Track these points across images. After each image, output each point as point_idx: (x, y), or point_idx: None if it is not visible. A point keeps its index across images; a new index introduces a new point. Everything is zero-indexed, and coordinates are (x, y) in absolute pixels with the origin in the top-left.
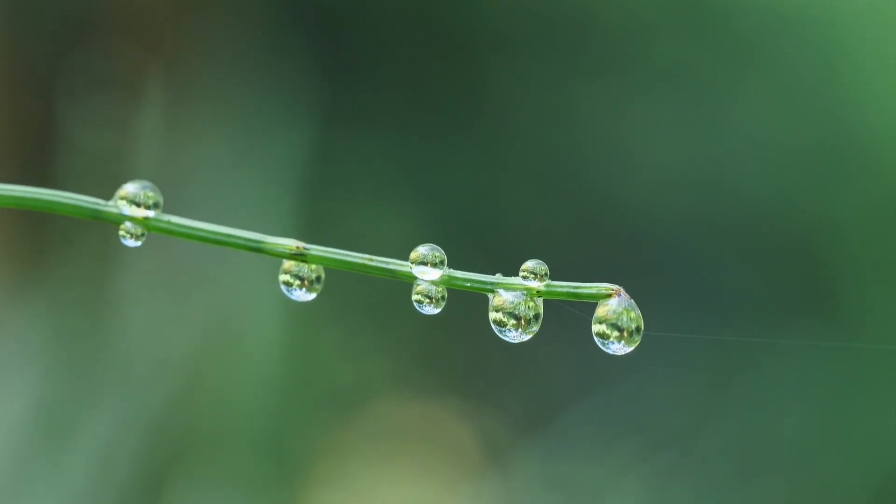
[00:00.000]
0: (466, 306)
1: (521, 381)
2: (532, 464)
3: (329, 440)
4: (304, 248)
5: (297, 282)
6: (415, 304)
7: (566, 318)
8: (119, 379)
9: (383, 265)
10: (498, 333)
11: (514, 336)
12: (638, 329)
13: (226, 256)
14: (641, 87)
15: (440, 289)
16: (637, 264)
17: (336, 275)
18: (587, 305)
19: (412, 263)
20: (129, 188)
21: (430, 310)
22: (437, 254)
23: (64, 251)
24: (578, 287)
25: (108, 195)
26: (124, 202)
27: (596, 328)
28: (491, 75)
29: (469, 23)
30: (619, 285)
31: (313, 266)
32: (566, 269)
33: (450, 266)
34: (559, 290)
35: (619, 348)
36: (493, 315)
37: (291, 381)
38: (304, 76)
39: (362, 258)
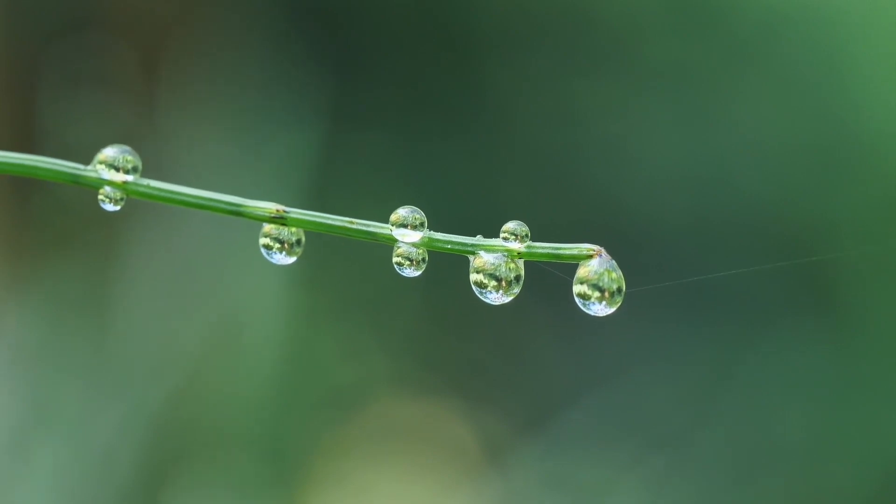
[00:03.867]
0: (466, 305)
1: (520, 380)
2: (532, 463)
3: (329, 440)
4: (285, 212)
5: (277, 245)
6: (395, 266)
7: (566, 317)
8: (119, 378)
9: (363, 228)
10: (479, 295)
11: (495, 298)
12: (619, 289)
13: (226, 255)
14: (641, 86)
15: (420, 251)
16: (637, 264)
17: (336, 274)
18: (569, 268)
19: (392, 226)
20: (108, 152)
21: (411, 272)
22: (417, 216)
23: (64, 249)
24: (559, 248)
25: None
26: (103, 166)
27: (577, 289)
28: (492, 74)
29: (469, 22)
30: (601, 247)
31: (293, 229)
32: (566, 266)
33: (430, 230)
34: (540, 251)
35: (600, 309)
36: (473, 277)
37: (291, 380)
38: (305, 76)
39: (342, 221)
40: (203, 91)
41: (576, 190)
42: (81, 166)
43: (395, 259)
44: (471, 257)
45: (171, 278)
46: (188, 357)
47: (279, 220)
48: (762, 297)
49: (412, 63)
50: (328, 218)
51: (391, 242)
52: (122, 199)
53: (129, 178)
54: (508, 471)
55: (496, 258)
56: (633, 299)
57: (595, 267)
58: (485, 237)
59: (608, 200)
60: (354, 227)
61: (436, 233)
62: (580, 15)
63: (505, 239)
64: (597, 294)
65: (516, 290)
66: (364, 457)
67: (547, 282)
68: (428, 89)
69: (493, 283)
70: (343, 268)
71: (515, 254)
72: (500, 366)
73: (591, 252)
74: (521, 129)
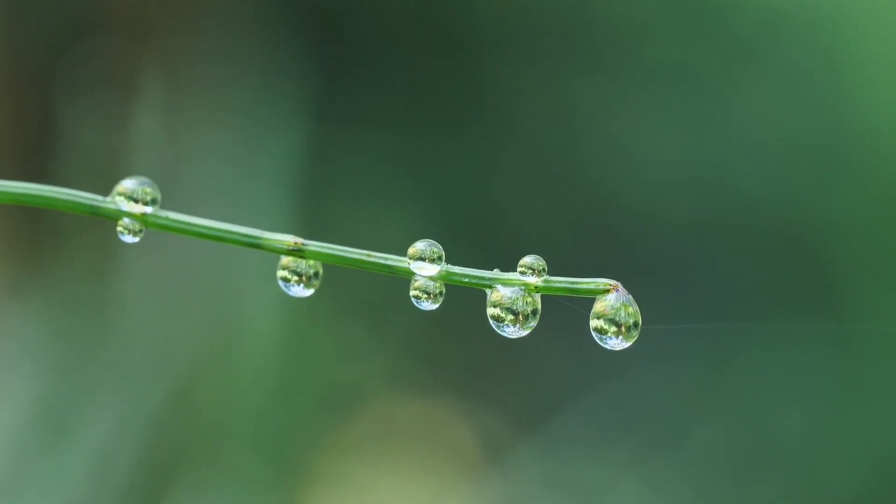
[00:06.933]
0: (466, 305)
1: (520, 379)
2: (531, 462)
3: (329, 440)
4: (302, 244)
5: (295, 277)
6: (413, 299)
7: (565, 316)
8: (118, 378)
9: (381, 261)
10: (496, 329)
11: (512, 331)
12: (636, 324)
13: (225, 255)
14: (641, 86)
15: (438, 284)
16: (637, 264)
17: (335, 274)
18: (585, 301)
19: (410, 259)
20: (127, 184)
21: (429, 305)
22: (435, 249)
23: (62, 250)
24: (576, 282)
25: (106, 192)
26: (122, 198)
27: (594, 323)
28: (490, 73)
29: (468, 20)
30: (618, 282)
31: (311, 262)
32: (566, 269)
33: (448, 264)
34: (557, 285)
35: (616, 343)
36: (490, 310)
37: (291, 380)
38: (302, 73)
39: (360, 254)
40: (199, 88)
41: (576, 190)
42: (100, 198)
43: (412, 293)
44: (488, 291)
45: (171, 278)
46: (188, 357)
47: (297, 252)
48: (762, 297)
49: (412, 62)
50: (346, 251)
51: (409, 276)
52: (140, 230)
53: (148, 209)
54: (508, 471)
55: (513, 292)
56: (634, 298)
57: (612, 301)
58: (500, 264)
59: (608, 200)
60: (372, 259)
61: (453, 266)
62: (580, 15)
63: (522, 273)
64: (613, 329)
65: (533, 323)
66: (364, 457)
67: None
68: (427, 89)
69: (511, 316)
70: (343, 267)
71: (532, 288)
72: (500, 366)
73: (608, 287)
74: (520, 129)
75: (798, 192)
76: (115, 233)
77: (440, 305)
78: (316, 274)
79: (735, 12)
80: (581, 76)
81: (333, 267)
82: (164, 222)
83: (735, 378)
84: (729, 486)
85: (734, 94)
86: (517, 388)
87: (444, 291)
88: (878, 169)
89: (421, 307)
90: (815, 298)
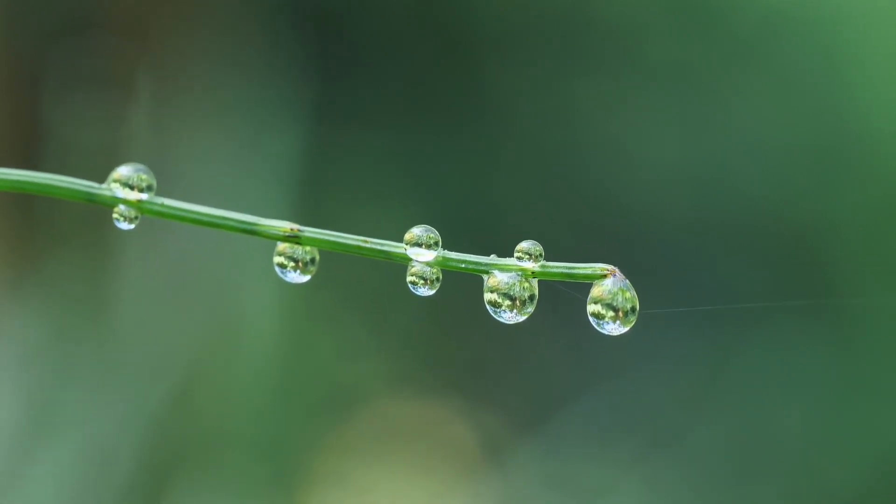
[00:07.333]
0: (466, 305)
1: (519, 379)
2: (531, 462)
3: (328, 440)
4: (299, 231)
5: (292, 264)
6: (409, 285)
7: (564, 316)
8: (119, 377)
9: (378, 247)
10: (493, 314)
11: (509, 317)
12: (633, 309)
13: (224, 254)
14: (641, 86)
15: (435, 270)
16: (637, 264)
17: (335, 274)
18: (583, 286)
19: (407, 245)
20: (123, 171)
21: (425, 291)
22: (432, 235)
23: (61, 249)
24: (573, 268)
25: None
26: (118, 185)
27: (591, 308)
28: (490, 73)
29: (468, 20)
30: (615, 267)
31: (307, 248)
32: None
33: (445, 250)
34: (554, 270)
35: (614, 328)
36: (487, 296)
37: (291, 380)
38: (302, 73)
39: (357, 240)
40: (195, 87)
41: (575, 190)
42: (96, 185)
43: (409, 278)
44: (485, 276)
45: (171, 278)
46: (188, 357)
47: (293, 238)
48: (761, 296)
49: (412, 62)
50: (342, 237)
51: (405, 261)
52: (136, 217)
53: (144, 196)
54: (508, 471)
55: (510, 277)
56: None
57: (609, 286)
58: (498, 255)
59: (608, 200)
60: (368, 245)
61: (450, 252)
62: (580, 15)
63: (519, 258)
64: (611, 314)
65: (530, 309)
66: (364, 457)
67: (546, 283)
68: (428, 89)
69: (508, 302)
70: (343, 267)
71: (529, 273)
72: (500, 366)
73: (605, 272)
74: (520, 129)
75: (798, 192)
76: (113, 232)
77: (440, 305)
78: (312, 260)
79: (735, 12)
80: (581, 76)
81: (333, 266)
82: (160, 209)
83: (735, 378)
84: (729, 486)
85: (734, 94)
86: (517, 388)
87: (440, 277)
88: (878, 169)
89: (417, 293)
90: (815, 298)
